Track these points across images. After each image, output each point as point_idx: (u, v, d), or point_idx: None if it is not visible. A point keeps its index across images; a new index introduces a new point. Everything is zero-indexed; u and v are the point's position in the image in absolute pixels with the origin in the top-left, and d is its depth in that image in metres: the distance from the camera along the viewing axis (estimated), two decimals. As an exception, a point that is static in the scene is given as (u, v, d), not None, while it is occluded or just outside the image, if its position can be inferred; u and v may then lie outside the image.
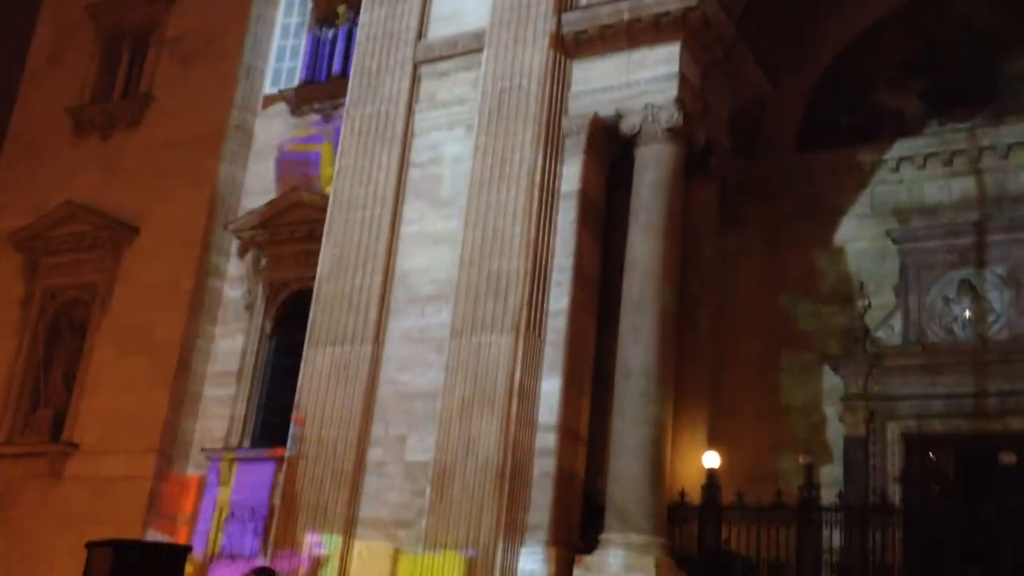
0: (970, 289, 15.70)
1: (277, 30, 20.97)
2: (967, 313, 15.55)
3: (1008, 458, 13.13)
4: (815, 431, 16.02)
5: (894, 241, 16.50)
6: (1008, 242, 15.85)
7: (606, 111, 15.55)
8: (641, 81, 15.37)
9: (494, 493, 13.78)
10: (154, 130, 20.93)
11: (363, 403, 15.18)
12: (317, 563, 14.58)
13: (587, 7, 15.96)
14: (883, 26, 18.00)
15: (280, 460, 15.83)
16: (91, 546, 13.27)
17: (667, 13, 15.15)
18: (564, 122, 15.71)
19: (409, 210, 16.38)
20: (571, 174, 15.50)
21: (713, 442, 15.54)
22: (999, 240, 15.90)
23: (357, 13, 18.54)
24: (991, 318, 15.47)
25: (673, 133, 15.12)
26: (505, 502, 13.76)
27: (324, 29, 20.51)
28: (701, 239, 16.40)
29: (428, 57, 17.08)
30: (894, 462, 15.21)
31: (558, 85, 15.82)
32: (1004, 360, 15.00)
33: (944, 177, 16.64)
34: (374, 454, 15.06)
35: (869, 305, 16.09)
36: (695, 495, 14.12)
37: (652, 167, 15.18)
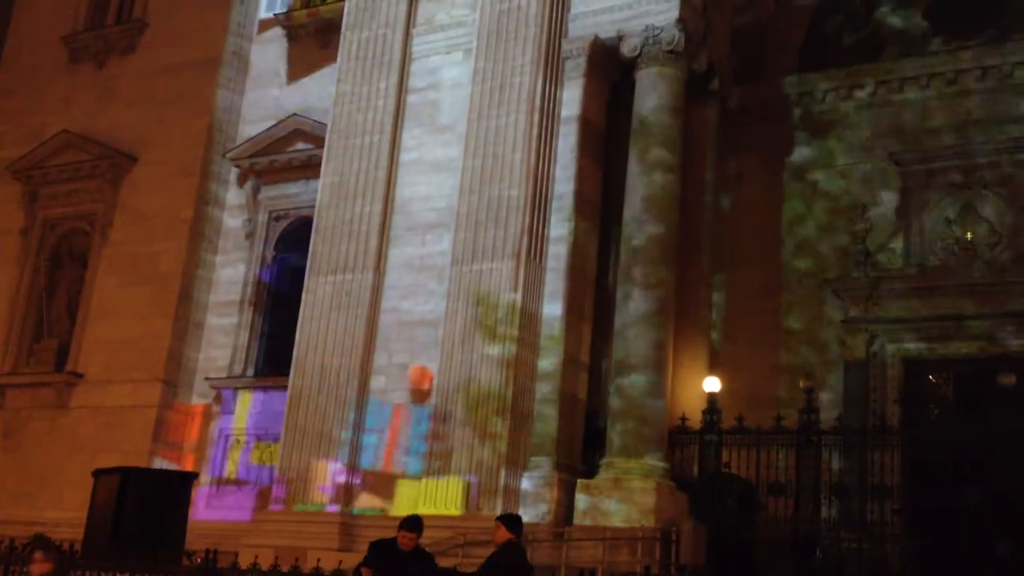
0: (972, 211, 15.60)
1: (271, -48, 20.55)
2: (968, 235, 15.46)
3: (1007, 379, 13.19)
4: (816, 355, 16.08)
5: (896, 163, 16.35)
6: (1011, 163, 15.71)
7: (606, 33, 15.32)
8: (642, 1, 15.10)
9: (497, 418, 13.90)
10: (149, 57, 20.66)
11: (365, 331, 15.23)
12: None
13: (588, -75, 15.56)
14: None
15: (284, 388, 15.91)
16: (98, 474, 13.43)
17: (669, -72, 14.79)
18: (564, 44, 15.48)
19: (408, 137, 16.22)
20: (571, 98, 15.33)
21: (714, 367, 15.63)
22: (1002, 161, 15.75)
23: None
24: (992, 240, 15.40)
25: (674, 55, 14.92)
26: (508, 427, 13.87)
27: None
28: (702, 163, 16.27)
29: (425, -22, 16.75)
30: (894, 385, 15.28)
31: (557, 6, 15.54)
32: (1004, 282, 14.95)
33: (948, 97, 16.42)
34: (376, 382, 15.15)
35: (870, 228, 16.02)
36: (696, 419, 14.23)
37: (653, 90, 15.00)
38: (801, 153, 17.16)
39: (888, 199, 16.31)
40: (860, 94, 16.92)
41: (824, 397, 14.59)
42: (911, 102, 16.63)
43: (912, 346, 15.54)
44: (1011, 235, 15.30)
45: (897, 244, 15.92)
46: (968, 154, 15.85)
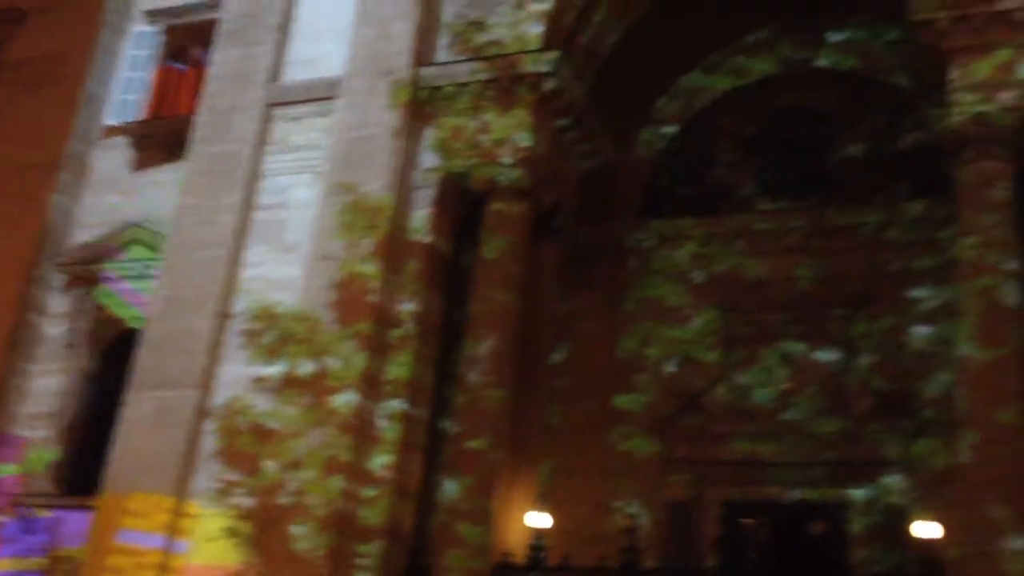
0: (790, 361, 16.45)
1: (124, 61, 20.31)
2: (785, 384, 16.25)
3: (818, 527, 13.69)
4: (643, 493, 16.32)
5: (724, 311, 17.15)
6: (830, 318, 16.68)
7: (456, 167, 15.69)
8: (492, 140, 15.58)
9: (319, 549, 13.42)
10: (-13, 155, 19.87)
11: (185, 452, 14.61)
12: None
13: (444, 64, 16.14)
14: (722, 105, 18.91)
15: (93, 508, 14.99)
16: None
17: (522, 76, 15.46)
18: (415, 176, 15.75)
19: (252, 254, 16.03)
20: (420, 227, 15.51)
21: (547, 502, 15.64)
22: (822, 316, 16.72)
23: (209, 51, 18.17)
24: (808, 389, 16.22)
25: (521, 193, 15.40)
26: (329, 559, 13.40)
27: (174, 64, 19.97)
28: (545, 299, 16.66)
29: (281, 100, 16.91)
30: (713, 527, 15.63)
31: (411, 138, 15.87)
32: (815, 431, 15.73)
33: (773, 254, 17.44)
34: (193, 508, 14.44)
35: (697, 372, 16.63)
36: (522, 555, 14.07)
37: (499, 226, 15.37)
38: (636, 297, 17.83)
39: (715, 346, 17.03)
40: (692, 245, 17.84)
41: (649, 536, 14.73)
42: (739, 255, 17.61)
43: (732, 489, 16.02)
44: (825, 386, 16.16)
45: (722, 389, 16.58)
46: (790, 308, 16.77)
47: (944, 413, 14.78)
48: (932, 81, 13.63)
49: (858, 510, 15.28)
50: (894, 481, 15.31)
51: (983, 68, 13.05)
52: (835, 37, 18.33)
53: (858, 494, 15.40)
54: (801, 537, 14.02)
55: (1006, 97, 12.89)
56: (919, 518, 13.78)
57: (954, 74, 13.20)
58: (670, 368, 17.01)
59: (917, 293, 16.65)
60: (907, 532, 13.82)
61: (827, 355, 16.44)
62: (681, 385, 16.63)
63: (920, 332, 16.39)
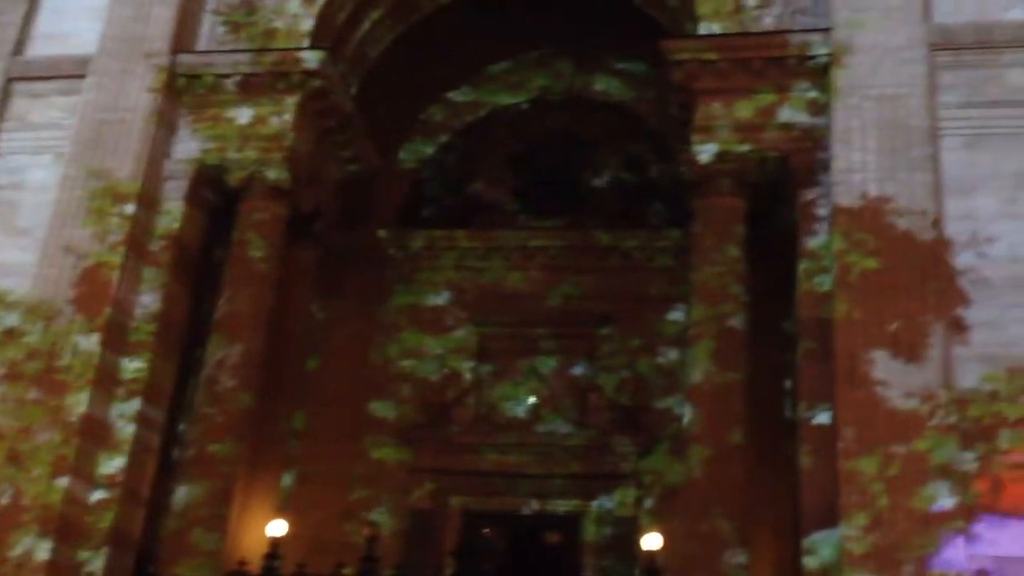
0: (538, 375, 16.92)
1: None
2: (532, 398, 16.71)
3: (553, 538, 14.11)
4: (389, 502, 16.30)
5: (475, 324, 17.45)
6: (582, 335, 17.27)
7: (213, 160, 15.12)
8: (252, 136, 15.12)
9: (39, 555, 12.55)
10: None
11: None
12: None
13: (204, 52, 15.54)
14: (492, 120, 19.23)
15: None
16: None
17: (286, 74, 15.07)
18: (167, 165, 15.06)
19: (-23, 236, 14.79)
20: (169, 220, 14.82)
21: (290, 509, 15.30)
22: (574, 333, 17.28)
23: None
24: (554, 403, 16.75)
25: (279, 193, 15.03)
26: (49, 566, 12.53)
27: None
28: (299, 302, 16.34)
29: (23, 75, 15.78)
30: (453, 535, 15.81)
31: (165, 126, 15.16)
32: (556, 445, 16.27)
33: (533, 269, 17.90)
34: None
35: (452, 382, 16.81)
36: (258, 563, 13.66)
37: (254, 224, 14.95)
38: (392, 304, 17.87)
39: (468, 356, 17.27)
40: (449, 255, 18.07)
41: (392, 545, 14.70)
42: (493, 269, 17.97)
43: (472, 499, 16.28)
44: (573, 400, 16.72)
45: (471, 400, 16.85)
46: (540, 323, 17.26)
47: (679, 430, 15.61)
48: (687, 119, 14.23)
49: (593, 521, 15.90)
50: (628, 493, 16.04)
51: (743, 108, 13.66)
52: (612, 66, 18.98)
53: (594, 506, 16.04)
54: (538, 547, 14.40)
55: (763, 137, 13.54)
56: (648, 529, 14.44)
57: (701, 113, 13.87)
58: (424, 377, 17.10)
59: (664, 316, 17.49)
60: (637, 543, 14.45)
61: (576, 370, 17.01)
62: (434, 395, 16.74)
63: (664, 352, 17.21)
